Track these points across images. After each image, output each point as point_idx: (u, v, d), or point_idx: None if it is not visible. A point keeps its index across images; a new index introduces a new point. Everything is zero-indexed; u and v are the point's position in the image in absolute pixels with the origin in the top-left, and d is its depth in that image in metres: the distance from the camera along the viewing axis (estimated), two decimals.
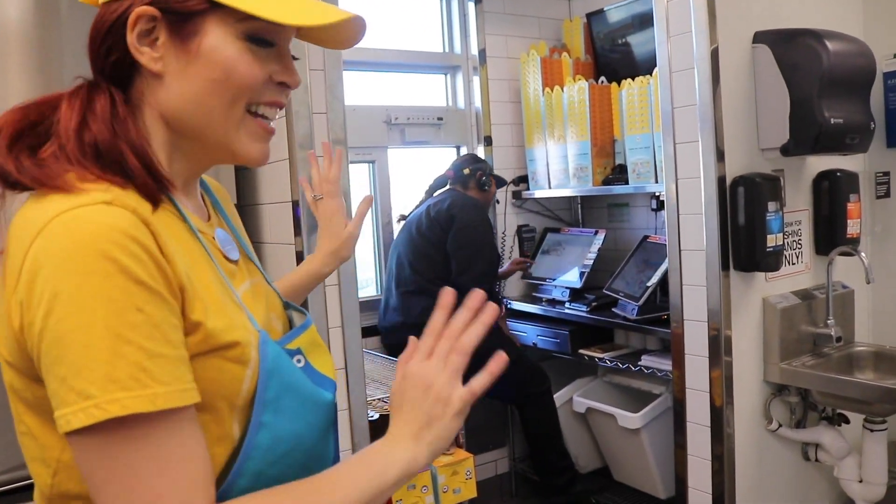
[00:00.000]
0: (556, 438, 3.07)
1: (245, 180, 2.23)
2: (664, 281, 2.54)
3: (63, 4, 1.80)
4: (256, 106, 0.80)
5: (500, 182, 3.28)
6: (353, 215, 1.44)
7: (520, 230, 3.64)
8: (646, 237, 3.04)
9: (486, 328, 0.81)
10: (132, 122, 0.76)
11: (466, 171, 3.13)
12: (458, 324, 0.80)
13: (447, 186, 3.18)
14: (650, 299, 2.77)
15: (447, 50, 3.66)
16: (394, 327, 2.99)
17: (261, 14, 0.75)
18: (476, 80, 3.59)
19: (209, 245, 0.81)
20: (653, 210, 3.30)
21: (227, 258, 0.85)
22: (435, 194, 3.17)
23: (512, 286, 3.64)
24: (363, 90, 3.45)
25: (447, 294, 0.82)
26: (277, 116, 0.85)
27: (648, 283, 2.77)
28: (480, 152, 3.60)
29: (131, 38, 0.75)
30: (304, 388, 0.80)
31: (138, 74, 0.78)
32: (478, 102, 3.59)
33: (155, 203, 0.72)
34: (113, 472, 0.63)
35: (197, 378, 0.68)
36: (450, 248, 2.96)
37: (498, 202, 3.52)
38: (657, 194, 3.05)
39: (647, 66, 3.07)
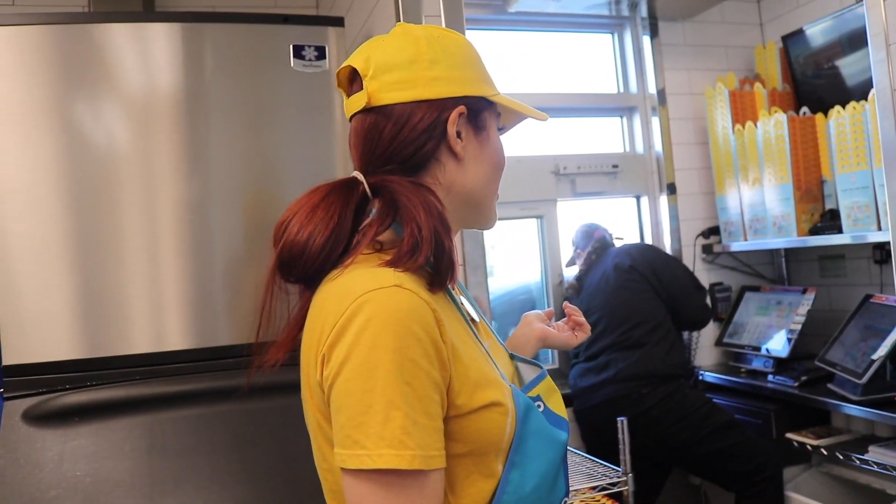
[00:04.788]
0: None
1: None
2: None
3: (207, 70, 1.80)
4: None
5: None
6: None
7: (712, 289, 3.16)
8: (868, 297, 2.47)
9: None
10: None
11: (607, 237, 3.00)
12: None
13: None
14: (878, 374, 2.21)
15: (622, 90, 3.32)
16: (595, 386, 2.65)
17: (523, 111, 1.03)
18: (656, 122, 3.21)
19: (462, 309, 0.95)
20: (876, 262, 2.71)
21: (472, 319, 0.98)
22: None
23: (706, 354, 3.15)
24: (529, 139, 3.19)
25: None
26: None
27: (874, 357, 2.21)
28: (664, 201, 3.20)
29: (452, 130, 0.92)
30: (545, 430, 0.92)
31: (436, 161, 0.94)
32: (658, 146, 3.21)
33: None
34: None
35: (471, 429, 0.84)
36: (666, 298, 2.73)
37: None
38: (882, 244, 2.49)
39: (861, 91, 2.55)
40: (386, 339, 0.77)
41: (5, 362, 1.64)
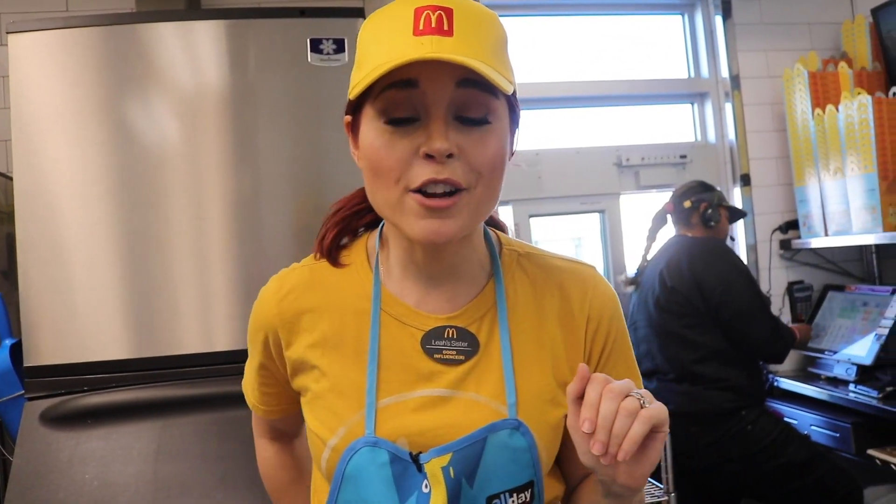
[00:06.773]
0: None
1: None
2: None
3: (251, 65, 1.78)
4: (413, 186, 0.76)
5: (736, 215, 2.60)
6: None
7: (791, 288, 2.92)
8: None
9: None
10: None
11: (687, 203, 2.50)
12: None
13: (673, 227, 2.60)
14: None
15: (692, 75, 3.11)
16: None
17: (355, 86, 0.76)
18: (728, 108, 2.99)
19: (392, 337, 0.84)
20: None
21: (432, 357, 0.83)
22: (660, 243, 2.61)
23: None
24: (589, 129, 3.04)
25: (583, 368, 0.72)
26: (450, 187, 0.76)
27: None
28: (737, 194, 2.97)
29: (351, 144, 0.85)
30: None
31: None
32: (731, 134, 2.98)
33: None
34: None
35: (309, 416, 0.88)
36: (722, 324, 2.34)
37: (733, 240, 2.88)
38: None
39: None
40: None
41: (43, 362, 1.65)
